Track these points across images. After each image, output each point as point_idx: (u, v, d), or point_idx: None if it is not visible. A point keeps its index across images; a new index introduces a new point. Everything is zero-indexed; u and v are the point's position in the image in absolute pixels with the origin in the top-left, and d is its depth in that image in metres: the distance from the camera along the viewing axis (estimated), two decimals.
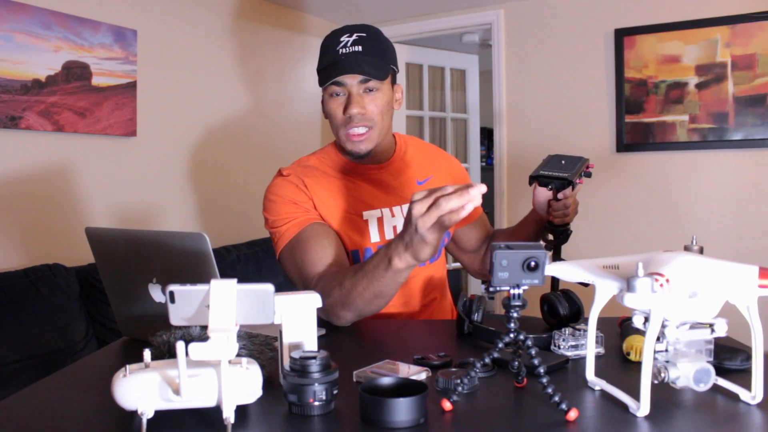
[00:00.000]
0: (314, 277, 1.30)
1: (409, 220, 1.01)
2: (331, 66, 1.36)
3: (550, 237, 1.41)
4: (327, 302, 1.21)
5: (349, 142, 1.39)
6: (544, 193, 1.39)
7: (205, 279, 0.82)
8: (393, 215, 1.45)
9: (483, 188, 0.92)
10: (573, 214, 1.38)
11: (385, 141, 1.46)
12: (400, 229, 1.31)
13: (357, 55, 1.35)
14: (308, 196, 1.39)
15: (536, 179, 1.35)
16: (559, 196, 1.35)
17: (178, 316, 0.79)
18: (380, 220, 1.42)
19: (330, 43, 1.38)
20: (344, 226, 1.40)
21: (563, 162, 1.35)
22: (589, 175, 1.35)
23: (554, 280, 1.26)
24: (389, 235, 1.42)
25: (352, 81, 1.35)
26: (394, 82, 1.45)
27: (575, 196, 1.37)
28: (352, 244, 1.40)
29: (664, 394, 0.84)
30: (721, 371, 0.90)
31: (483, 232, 1.65)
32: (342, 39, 1.36)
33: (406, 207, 1.43)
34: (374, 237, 1.43)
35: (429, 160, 1.57)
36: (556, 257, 1.38)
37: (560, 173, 1.32)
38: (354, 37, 1.36)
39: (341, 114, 1.37)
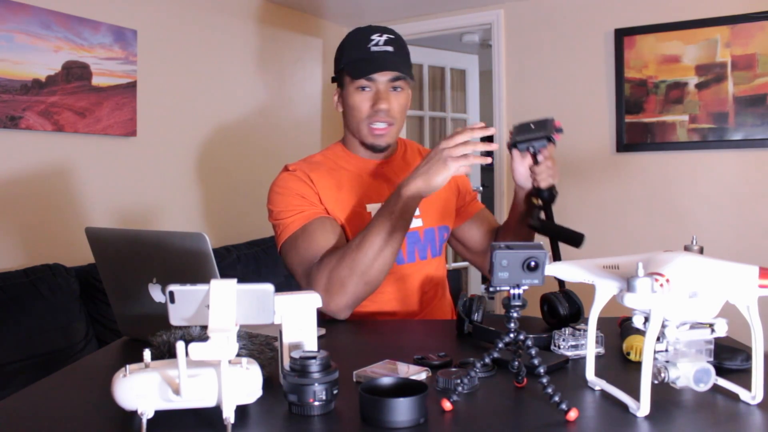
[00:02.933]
0: (317, 261, 1.32)
1: (431, 154, 1.21)
2: (363, 61, 1.41)
3: (539, 203, 1.40)
4: (335, 273, 1.27)
5: (371, 135, 1.45)
6: (523, 163, 1.39)
7: (205, 279, 0.82)
8: None
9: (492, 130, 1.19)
10: (557, 174, 1.38)
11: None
12: None
13: (390, 54, 1.42)
14: (314, 190, 1.43)
15: (515, 146, 1.36)
16: (539, 158, 1.35)
17: (178, 316, 0.79)
18: None
19: (359, 39, 1.44)
20: (349, 218, 1.44)
21: (533, 126, 1.36)
22: (560, 130, 1.35)
23: (561, 280, 1.26)
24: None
25: (383, 78, 1.41)
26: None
27: (553, 155, 1.37)
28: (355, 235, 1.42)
29: (664, 394, 0.84)
30: (721, 371, 0.90)
31: (486, 228, 1.64)
32: (373, 38, 1.43)
33: None
34: None
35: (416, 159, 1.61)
36: (549, 222, 1.36)
37: (537, 135, 1.35)
38: (385, 37, 1.44)
39: (367, 108, 1.43)
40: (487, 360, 0.82)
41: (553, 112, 3.48)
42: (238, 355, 0.85)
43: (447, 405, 0.79)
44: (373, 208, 1.45)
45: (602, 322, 1.02)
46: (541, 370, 0.79)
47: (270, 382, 0.89)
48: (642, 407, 0.77)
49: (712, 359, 0.83)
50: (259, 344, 0.93)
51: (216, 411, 0.78)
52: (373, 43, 1.42)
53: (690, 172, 3.15)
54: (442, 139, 1.20)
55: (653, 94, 3.18)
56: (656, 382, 0.80)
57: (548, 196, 1.37)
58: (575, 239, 1.27)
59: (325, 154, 1.54)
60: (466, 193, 1.65)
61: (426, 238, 1.50)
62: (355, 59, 1.43)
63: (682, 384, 0.81)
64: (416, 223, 1.49)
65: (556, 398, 0.77)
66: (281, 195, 1.42)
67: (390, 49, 1.42)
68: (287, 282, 1.46)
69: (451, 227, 1.60)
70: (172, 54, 2.88)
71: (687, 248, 1.13)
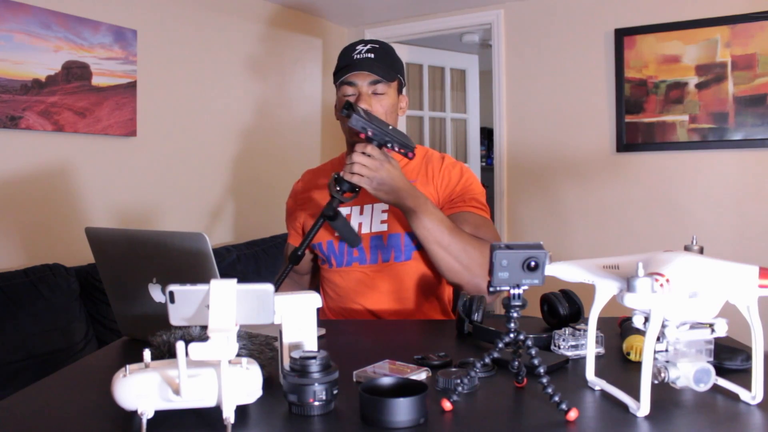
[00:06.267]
0: None
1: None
2: (345, 68, 1.52)
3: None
4: None
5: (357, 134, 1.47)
6: None
7: (205, 279, 0.82)
8: (362, 213, 1.56)
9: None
10: (362, 175, 1.32)
11: None
12: (366, 226, 1.54)
13: (369, 60, 1.52)
14: (297, 204, 1.68)
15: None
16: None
17: (178, 316, 0.79)
18: (348, 217, 1.55)
19: (346, 51, 1.57)
20: (312, 221, 1.51)
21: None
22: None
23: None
24: (354, 228, 1.50)
25: (362, 81, 1.50)
26: (400, 91, 1.59)
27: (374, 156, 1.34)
28: (317, 237, 1.52)
29: (664, 394, 0.84)
30: (721, 371, 0.90)
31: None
32: (357, 47, 1.55)
33: (377, 206, 1.54)
34: None
35: (420, 164, 1.59)
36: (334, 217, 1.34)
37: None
38: (368, 46, 1.55)
39: None
40: (487, 360, 0.82)
41: (553, 111, 3.50)
42: (238, 355, 0.85)
43: (447, 405, 0.79)
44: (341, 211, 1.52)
45: (602, 322, 1.02)
46: (541, 370, 0.79)
47: (270, 382, 0.89)
48: (642, 407, 0.77)
49: (712, 359, 0.83)
50: (259, 344, 0.93)
51: (216, 411, 0.78)
52: (357, 52, 1.54)
53: (690, 172, 3.15)
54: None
55: (653, 94, 3.18)
56: (656, 382, 0.80)
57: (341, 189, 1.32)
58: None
59: (332, 160, 1.73)
60: (460, 194, 1.56)
61: (390, 243, 1.50)
62: (340, 68, 1.55)
63: (682, 384, 0.81)
64: (382, 227, 1.52)
65: (556, 398, 0.77)
66: (287, 211, 1.74)
67: (371, 55, 1.52)
68: None
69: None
70: (172, 54, 2.88)
71: (687, 248, 1.13)
